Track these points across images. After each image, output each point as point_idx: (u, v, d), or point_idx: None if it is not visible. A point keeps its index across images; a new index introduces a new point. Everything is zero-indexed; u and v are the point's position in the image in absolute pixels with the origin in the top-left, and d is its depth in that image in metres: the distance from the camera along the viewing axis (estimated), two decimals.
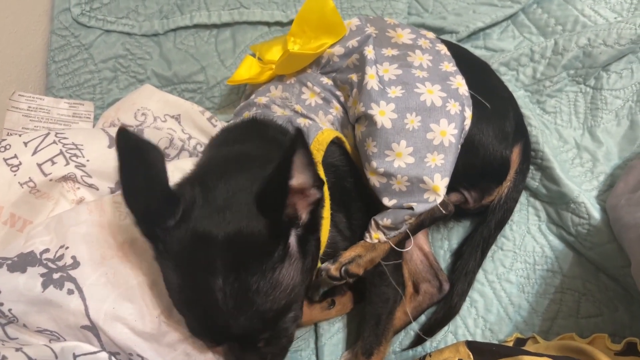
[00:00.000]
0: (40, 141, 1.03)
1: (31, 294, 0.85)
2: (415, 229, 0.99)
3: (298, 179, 0.75)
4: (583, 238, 1.12)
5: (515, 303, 1.14)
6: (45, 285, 0.85)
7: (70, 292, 0.86)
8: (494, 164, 1.04)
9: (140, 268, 0.91)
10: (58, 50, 1.37)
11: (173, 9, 1.35)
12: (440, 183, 0.93)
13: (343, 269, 0.96)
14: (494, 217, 1.10)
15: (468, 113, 0.97)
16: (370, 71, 0.97)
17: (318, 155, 0.96)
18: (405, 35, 1.08)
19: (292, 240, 0.80)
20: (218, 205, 0.78)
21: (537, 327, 1.12)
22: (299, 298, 0.83)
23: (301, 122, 1.02)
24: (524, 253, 1.17)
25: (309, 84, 1.08)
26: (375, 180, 0.96)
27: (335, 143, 1.02)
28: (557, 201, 1.15)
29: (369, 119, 0.94)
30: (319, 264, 0.97)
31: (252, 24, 1.34)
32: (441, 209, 0.96)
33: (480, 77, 1.08)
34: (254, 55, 1.24)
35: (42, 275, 0.86)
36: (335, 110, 1.05)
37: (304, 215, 0.80)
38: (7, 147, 1.02)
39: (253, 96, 1.15)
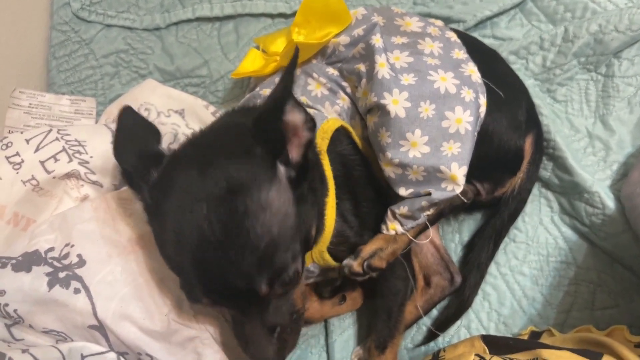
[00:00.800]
0: (42, 138, 1.01)
1: (37, 294, 0.83)
2: (435, 219, 0.97)
3: (292, 113, 0.76)
4: (597, 228, 1.10)
5: (529, 296, 1.13)
6: (51, 285, 0.84)
7: (76, 291, 0.84)
8: (508, 154, 1.02)
9: (147, 265, 0.89)
10: (58, 46, 1.34)
11: (174, 3, 1.33)
12: (458, 172, 0.90)
13: (365, 263, 0.93)
14: (507, 208, 1.08)
15: (483, 100, 0.95)
16: (380, 60, 0.95)
17: (323, 144, 0.94)
18: (413, 24, 1.05)
19: (282, 170, 0.76)
20: (203, 144, 0.81)
21: (552, 319, 1.10)
22: (293, 234, 0.76)
23: None
24: (536, 245, 1.15)
25: (314, 74, 1.06)
26: (390, 171, 0.94)
27: (342, 132, 1.00)
28: (570, 191, 1.13)
29: (381, 109, 0.92)
30: (332, 261, 0.95)
31: (255, 16, 1.32)
32: (461, 196, 0.94)
33: (491, 65, 1.05)
34: (257, 47, 1.22)
35: (47, 274, 0.85)
36: (342, 101, 1.02)
37: (294, 155, 0.78)
38: (9, 144, 1.00)
39: (258, 88, 1.13)
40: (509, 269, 1.15)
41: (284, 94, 0.74)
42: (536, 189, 1.18)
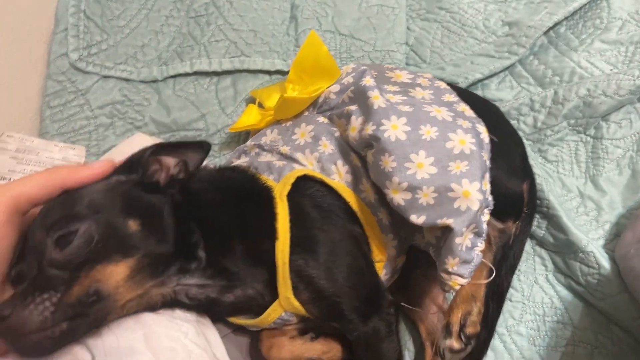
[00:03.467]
0: None
1: None
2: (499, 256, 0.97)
3: (164, 157, 0.92)
4: (593, 288, 1.09)
5: (527, 357, 1.10)
6: None
7: None
8: (512, 198, 1.01)
9: None
10: (54, 95, 1.33)
11: (172, 56, 1.34)
12: (470, 187, 0.85)
13: (462, 336, 0.90)
14: (505, 261, 1.07)
15: (481, 128, 0.94)
16: (374, 94, 0.95)
17: (284, 189, 0.93)
18: (403, 76, 1.08)
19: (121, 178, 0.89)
20: None
21: None
22: (106, 216, 0.82)
23: (277, 164, 1.00)
24: (532, 304, 1.14)
25: (302, 124, 1.07)
26: (399, 198, 0.88)
27: (311, 179, 0.98)
28: (564, 250, 1.14)
29: (381, 136, 0.89)
30: (300, 307, 0.91)
31: (253, 72, 1.33)
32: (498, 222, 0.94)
33: (484, 112, 1.05)
34: (254, 99, 1.24)
35: None
36: (324, 147, 1.02)
37: (161, 179, 0.91)
38: None
39: (249, 141, 1.14)
40: (505, 329, 1.13)
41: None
42: (530, 247, 1.18)
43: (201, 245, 0.90)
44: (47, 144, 1.28)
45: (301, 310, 0.91)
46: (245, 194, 0.96)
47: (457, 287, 0.88)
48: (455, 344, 0.90)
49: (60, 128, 1.32)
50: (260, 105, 1.20)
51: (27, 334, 0.72)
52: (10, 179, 1.21)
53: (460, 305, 0.93)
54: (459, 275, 0.88)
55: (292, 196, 0.93)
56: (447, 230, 0.87)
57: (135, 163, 0.89)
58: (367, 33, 1.37)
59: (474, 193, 0.85)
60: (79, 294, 0.76)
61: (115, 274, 0.79)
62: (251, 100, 1.28)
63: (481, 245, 0.88)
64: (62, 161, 1.28)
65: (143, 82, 1.34)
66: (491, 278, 0.95)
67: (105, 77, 1.34)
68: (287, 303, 0.91)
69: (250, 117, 1.18)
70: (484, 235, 0.88)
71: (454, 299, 0.93)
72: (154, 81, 1.34)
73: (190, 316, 0.92)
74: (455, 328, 0.90)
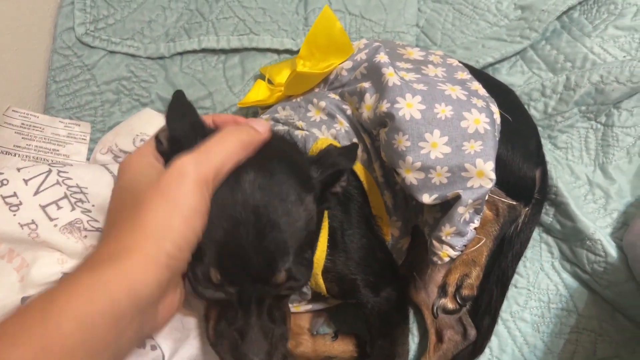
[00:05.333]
0: (42, 180, 0.95)
1: None
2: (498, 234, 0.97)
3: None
4: (599, 276, 1.09)
5: (530, 343, 1.11)
6: None
7: None
8: (524, 182, 1.01)
9: None
10: (59, 69, 1.32)
11: (180, 32, 1.32)
12: (485, 167, 0.85)
13: (457, 298, 0.90)
14: (511, 248, 1.08)
15: (494, 109, 0.93)
16: (388, 71, 0.94)
17: None
18: (415, 53, 1.07)
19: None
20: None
21: None
22: (311, 240, 0.77)
23: (298, 133, 0.99)
24: (538, 291, 1.14)
25: (314, 100, 1.06)
26: (411, 178, 0.88)
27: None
28: (571, 238, 1.13)
29: (395, 114, 0.88)
30: (323, 287, 0.93)
31: (262, 50, 1.31)
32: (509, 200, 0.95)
33: (502, 95, 1.05)
34: (262, 77, 1.22)
35: None
36: (339, 124, 1.02)
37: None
38: (4, 182, 0.93)
39: (263, 115, 1.14)
40: (510, 315, 1.13)
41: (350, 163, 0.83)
42: (537, 234, 1.18)
43: None
44: (51, 120, 1.27)
45: (321, 286, 0.92)
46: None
47: (446, 259, 0.91)
48: (449, 304, 0.91)
49: (66, 103, 1.31)
50: (270, 82, 1.19)
51: None
52: (15, 154, 1.20)
53: (459, 267, 0.93)
54: (450, 245, 0.90)
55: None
56: (448, 206, 0.89)
57: (322, 162, 0.79)
58: (377, 13, 1.35)
59: (487, 172, 0.86)
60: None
61: None
62: (260, 78, 1.27)
63: (477, 222, 0.90)
64: (67, 138, 1.27)
65: (150, 58, 1.32)
66: (481, 244, 0.96)
67: (112, 52, 1.32)
68: (312, 279, 0.92)
69: (259, 93, 1.18)
70: (481, 213, 0.90)
71: (454, 262, 0.94)
72: (161, 58, 1.32)
73: None
74: (451, 289, 0.91)
